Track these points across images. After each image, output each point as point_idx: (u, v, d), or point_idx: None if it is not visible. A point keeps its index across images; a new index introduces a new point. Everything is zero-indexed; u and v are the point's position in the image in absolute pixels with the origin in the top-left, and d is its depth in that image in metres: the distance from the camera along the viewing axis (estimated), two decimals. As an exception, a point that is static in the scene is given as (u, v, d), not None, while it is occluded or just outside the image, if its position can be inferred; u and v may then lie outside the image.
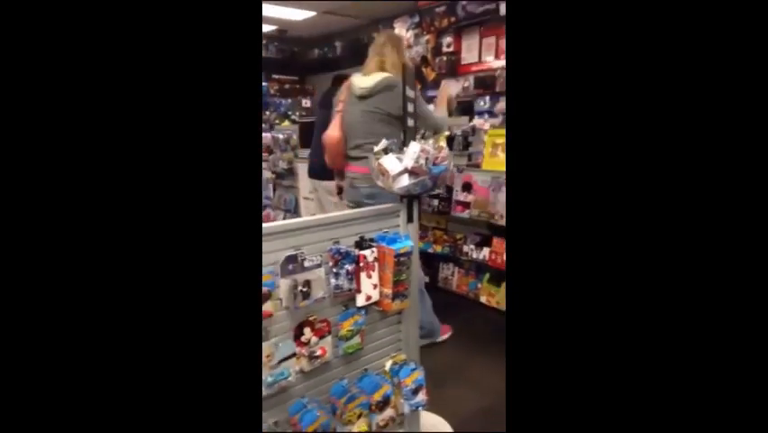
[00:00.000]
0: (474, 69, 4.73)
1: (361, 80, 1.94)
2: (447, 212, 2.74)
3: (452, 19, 4.73)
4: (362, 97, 1.92)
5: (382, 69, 1.93)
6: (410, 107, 1.46)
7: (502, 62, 4.43)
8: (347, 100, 1.98)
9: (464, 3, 4.55)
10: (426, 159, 1.40)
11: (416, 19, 5.18)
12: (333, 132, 1.99)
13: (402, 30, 5.36)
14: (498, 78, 4.41)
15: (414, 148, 1.40)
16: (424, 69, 5.06)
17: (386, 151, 1.48)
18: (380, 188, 1.78)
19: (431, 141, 1.47)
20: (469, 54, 4.78)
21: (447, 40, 4.98)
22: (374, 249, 1.43)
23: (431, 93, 4.41)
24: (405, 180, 1.41)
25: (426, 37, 5.15)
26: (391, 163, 1.43)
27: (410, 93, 1.83)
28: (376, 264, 1.44)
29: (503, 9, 4.20)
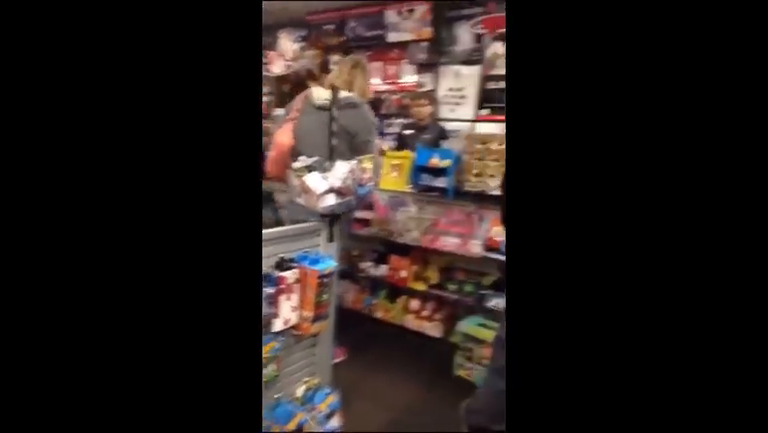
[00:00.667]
0: (362, 89, 4.87)
1: (323, 92, 1.88)
2: (343, 230, 2.75)
3: (342, 39, 4.82)
4: (322, 108, 1.83)
5: (348, 89, 1.90)
6: (334, 126, 1.45)
7: (388, 87, 4.66)
8: (303, 110, 1.86)
9: (354, 25, 4.69)
10: (353, 179, 1.40)
11: (304, 33, 5.15)
12: (283, 138, 1.80)
13: (287, 41, 5.27)
14: (384, 101, 4.62)
15: (342, 168, 1.39)
16: (309, 83, 5.03)
17: (309, 168, 1.43)
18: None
19: (353, 161, 1.47)
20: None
21: (335, 58, 5.05)
22: (296, 270, 1.36)
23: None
24: (331, 200, 1.39)
25: (314, 52, 5.14)
26: (316, 182, 1.39)
27: (373, 117, 1.87)
28: (296, 286, 1.37)
29: (391, 36, 4.43)
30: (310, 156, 1.77)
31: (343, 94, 1.86)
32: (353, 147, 1.74)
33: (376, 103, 4.64)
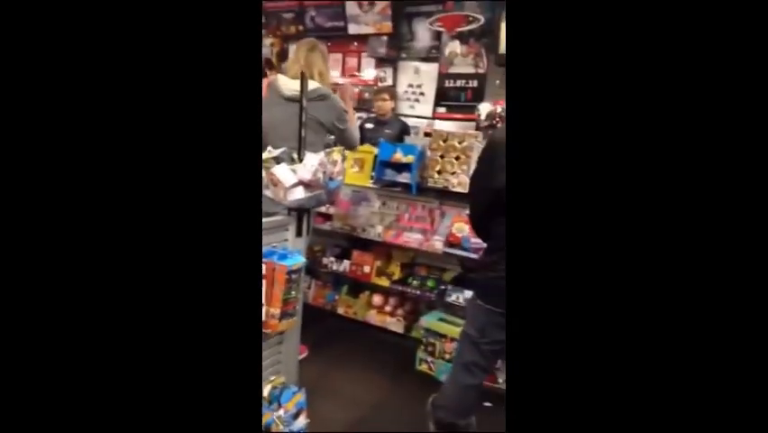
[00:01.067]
0: (321, 81, 4.79)
1: (291, 82, 1.81)
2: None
3: (301, 28, 4.69)
4: (292, 100, 1.76)
5: (310, 75, 1.82)
6: (305, 118, 1.40)
7: (346, 79, 4.60)
8: (270, 101, 1.79)
9: (313, 14, 4.58)
10: (324, 172, 1.36)
11: (262, 20, 4.97)
12: None
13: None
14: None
15: (312, 160, 1.34)
16: (267, 72, 4.88)
17: (277, 160, 1.38)
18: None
19: (321, 154, 1.43)
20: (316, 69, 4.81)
21: (294, 47, 4.92)
22: (263, 265, 1.31)
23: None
24: (299, 193, 1.34)
25: (272, 40, 4.99)
26: (285, 174, 1.34)
27: (342, 105, 1.79)
28: (263, 282, 1.32)
29: (351, 29, 4.37)
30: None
31: (312, 84, 1.80)
32: (334, 137, 1.73)
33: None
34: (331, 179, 1.39)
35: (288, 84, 1.84)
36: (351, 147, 1.99)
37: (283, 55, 4.95)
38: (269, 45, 5.03)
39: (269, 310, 1.35)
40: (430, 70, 4.11)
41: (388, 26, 4.14)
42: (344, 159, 1.46)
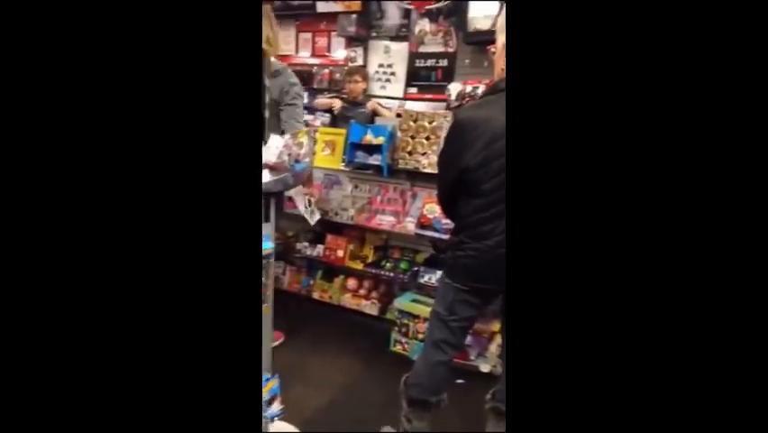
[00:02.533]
0: (291, 62, 4.66)
1: None
2: (278, 209, 2.64)
3: (266, 5, 4.54)
4: None
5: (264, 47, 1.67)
6: (269, 94, 1.35)
7: (318, 60, 4.50)
8: None
9: (280, -8, 4.43)
10: (289, 155, 1.33)
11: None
12: None
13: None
14: (315, 74, 4.46)
15: (276, 143, 1.31)
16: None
17: (240, 143, 1.33)
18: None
19: (287, 136, 1.40)
20: (285, 46, 4.66)
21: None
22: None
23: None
24: (265, 177, 1.31)
25: (237, 19, 4.81)
26: (249, 158, 1.30)
27: (294, 80, 1.67)
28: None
29: (320, 6, 4.25)
30: None
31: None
32: (282, 116, 1.63)
33: (306, 77, 4.47)
34: (297, 161, 1.36)
35: None
36: (292, 128, 1.77)
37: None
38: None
39: (238, 298, 1.33)
40: (400, 49, 4.04)
41: (357, 4, 4.03)
42: (314, 141, 1.42)
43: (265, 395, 1.47)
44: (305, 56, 4.56)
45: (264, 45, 1.66)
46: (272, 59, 1.69)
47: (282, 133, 1.54)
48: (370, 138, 2.36)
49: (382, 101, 3.82)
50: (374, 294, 2.55)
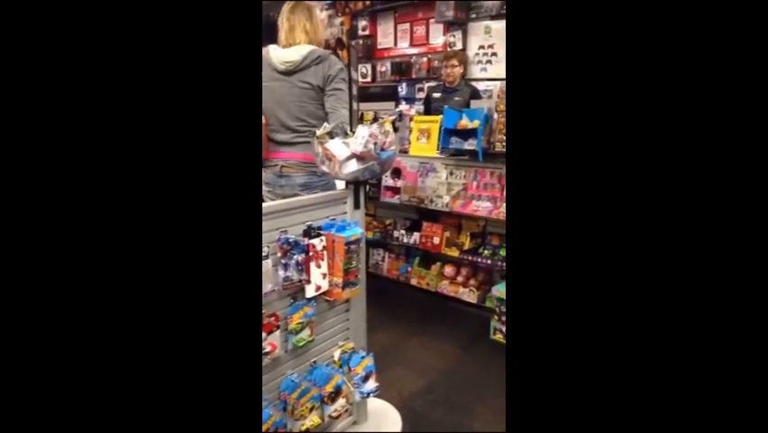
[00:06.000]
0: (390, 54, 4.76)
1: (284, 53, 1.68)
2: (376, 198, 2.75)
3: (367, 2, 4.68)
4: (289, 73, 1.67)
5: (300, 38, 1.70)
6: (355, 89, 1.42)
7: (416, 50, 4.51)
8: (267, 76, 1.71)
9: (379, -14, 4.53)
10: (375, 144, 1.37)
11: (330, 0, 5.04)
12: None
13: (315, 10, 5.18)
14: (414, 64, 4.49)
15: (362, 132, 1.36)
16: (339, 52, 4.97)
17: (331, 135, 1.42)
18: (316, 176, 1.70)
19: (375, 125, 1.44)
20: (384, 39, 4.79)
21: (363, 23, 4.94)
22: (323, 237, 1.37)
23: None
24: (353, 166, 1.38)
25: (341, 19, 5.04)
26: (338, 148, 1.38)
27: (354, 75, 1.74)
28: (325, 253, 1.39)
29: (417, -5, 4.25)
30: (299, 127, 1.69)
31: (305, 48, 1.67)
32: (326, 104, 1.63)
33: (404, 68, 4.53)
34: (383, 149, 1.40)
35: (281, 56, 1.68)
36: (336, 117, 1.65)
37: (353, 32, 5.00)
38: (338, 24, 5.11)
39: (333, 279, 1.43)
40: (501, 28, 3.86)
41: (455, -13, 3.95)
42: (396, 129, 1.45)
43: (360, 372, 1.56)
44: (403, 46, 4.62)
45: (303, 38, 1.68)
46: (314, 47, 1.69)
47: (326, 121, 1.58)
48: (465, 123, 2.31)
49: (482, 84, 3.70)
50: (472, 282, 2.51)
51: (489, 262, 2.36)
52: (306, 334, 1.40)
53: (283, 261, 1.27)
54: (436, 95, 3.34)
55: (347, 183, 1.48)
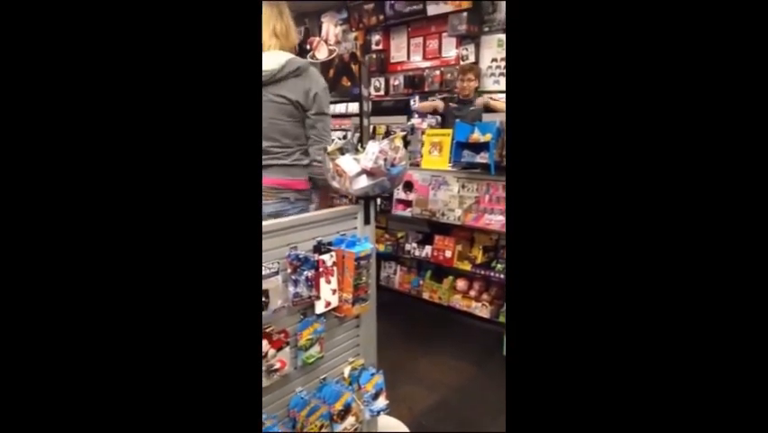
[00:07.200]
0: (403, 68, 4.80)
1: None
2: (388, 211, 2.74)
3: (381, 17, 4.74)
4: (265, 84, 1.46)
5: (270, 43, 1.50)
6: (365, 106, 1.42)
7: (429, 63, 4.54)
8: None
9: (392, 2, 4.58)
10: (385, 159, 1.37)
11: (344, 15, 5.12)
12: None
13: (330, 25, 5.26)
14: (426, 78, 4.51)
15: (372, 148, 1.37)
16: (353, 66, 5.02)
17: (341, 151, 1.43)
18: (289, 203, 1.58)
19: (385, 141, 1.44)
20: (397, 53, 4.83)
21: (376, 38, 4.99)
22: (333, 253, 1.37)
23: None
24: (363, 182, 1.38)
25: (355, 34, 5.11)
26: (349, 164, 1.39)
27: (365, 91, 1.73)
28: (335, 269, 1.39)
29: (430, 10, 4.29)
30: (270, 148, 1.53)
31: (282, 57, 1.47)
32: (307, 126, 1.49)
33: (417, 81, 4.55)
34: (393, 165, 1.40)
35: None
36: (318, 143, 1.54)
37: (366, 47, 5.05)
38: (353, 39, 5.18)
39: (342, 295, 1.42)
40: (515, 41, 3.86)
41: (467, 2, 3.98)
42: (406, 144, 1.44)
43: (370, 389, 1.54)
44: (416, 60, 4.65)
45: (273, 43, 1.49)
46: (291, 55, 1.50)
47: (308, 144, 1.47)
48: (477, 136, 2.30)
49: (496, 95, 3.69)
50: (485, 296, 2.48)
51: (501, 276, 2.32)
52: (315, 350, 1.39)
53: (293, 277, 1.27)
54: (451, 106, 3.34)
55: (357, 199, 1.48)
